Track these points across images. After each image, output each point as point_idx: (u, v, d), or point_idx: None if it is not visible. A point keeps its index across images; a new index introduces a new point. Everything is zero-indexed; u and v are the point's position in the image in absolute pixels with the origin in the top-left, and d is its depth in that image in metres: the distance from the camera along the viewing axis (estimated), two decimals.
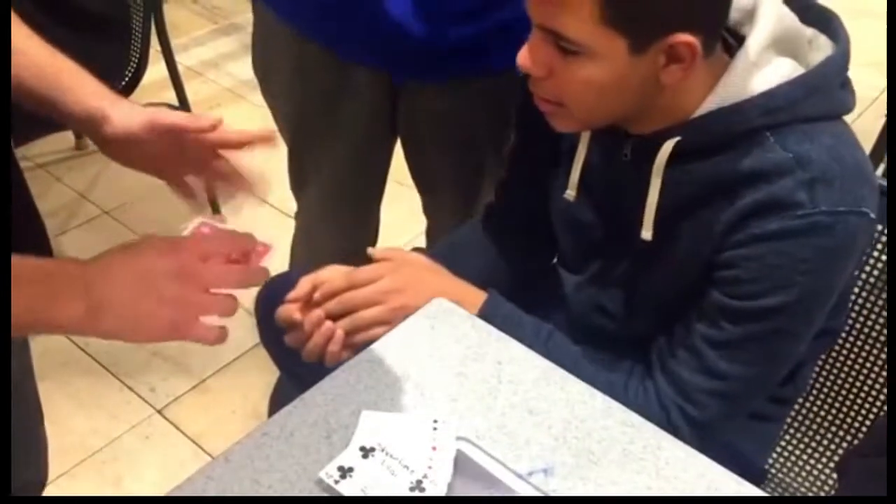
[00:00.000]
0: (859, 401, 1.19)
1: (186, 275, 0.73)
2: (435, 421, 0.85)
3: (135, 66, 1.91)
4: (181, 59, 2.03)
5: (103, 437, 1.76)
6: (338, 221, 1.52)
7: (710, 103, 0.92)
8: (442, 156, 1.41)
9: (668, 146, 0.94)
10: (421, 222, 1.60)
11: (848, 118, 0.95)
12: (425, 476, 0.79)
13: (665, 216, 0.98)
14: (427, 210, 1.57)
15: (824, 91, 0.92)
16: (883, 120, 1.76)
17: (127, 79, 1.91)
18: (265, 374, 1.75)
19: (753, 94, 0.91)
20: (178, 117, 0.93)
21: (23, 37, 0.88)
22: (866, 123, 2.08)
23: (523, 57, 0.90)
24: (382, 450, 0.82)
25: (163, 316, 0.72)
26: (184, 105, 2.04)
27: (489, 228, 1.24)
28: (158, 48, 1.98)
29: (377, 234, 1.59)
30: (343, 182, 1.44)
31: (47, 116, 0.90)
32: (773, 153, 0.90)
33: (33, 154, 2.32)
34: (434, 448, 0.82)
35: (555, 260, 1.24)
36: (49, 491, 1.63)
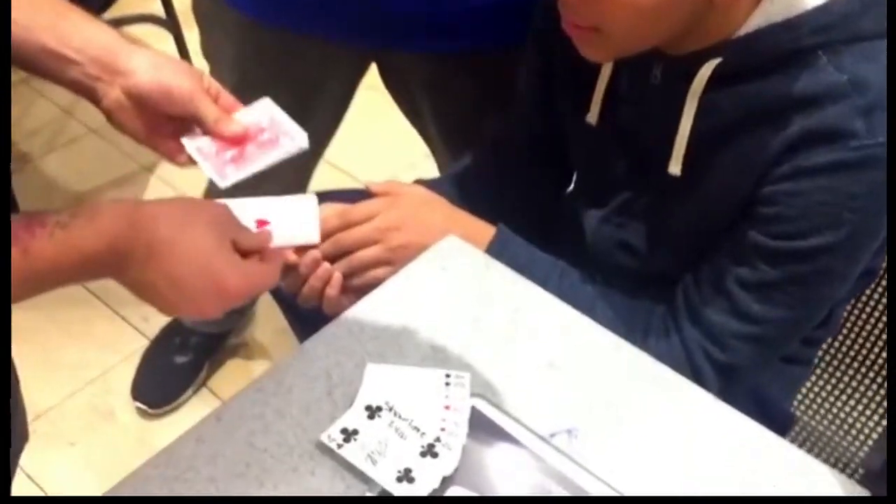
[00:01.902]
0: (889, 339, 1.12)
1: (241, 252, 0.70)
2: (447, 375, 0.78)
3: None
4: None
5: (95, 367, 1.70)
6: None
7: (757, 19, 0.82)
8: (435, 119, 1.29)
9: (706, 69, 0.84)
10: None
11: None
12: (438, 439, 0.72)
13: (698, 146, 0.89)
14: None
15: (885, 4, 0.81)
16: None
17: None
18: (267, 307, 1.68)
19: (805, 8, 0.81)
20: (211, 115, 0.80)
21: None
22: None
23: None
24: (390, 409, 0.74)
25: (216, 297, 0.70)
26: (170, 15, 1.91)
27: (498, 155, 1.14)
28: None
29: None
30: None
31: None
32: (825, 75, 0.80)
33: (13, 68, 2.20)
34: (447, 407, 0.75)
35: (570, 189, 1.15)
36: (40, 424, 1.59)
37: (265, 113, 0.84)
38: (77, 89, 0.78)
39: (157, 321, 1.73)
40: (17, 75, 0.79)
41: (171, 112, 0.79)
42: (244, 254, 0.70)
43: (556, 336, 0.83)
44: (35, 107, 2.15)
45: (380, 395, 0.76)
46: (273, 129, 0.83)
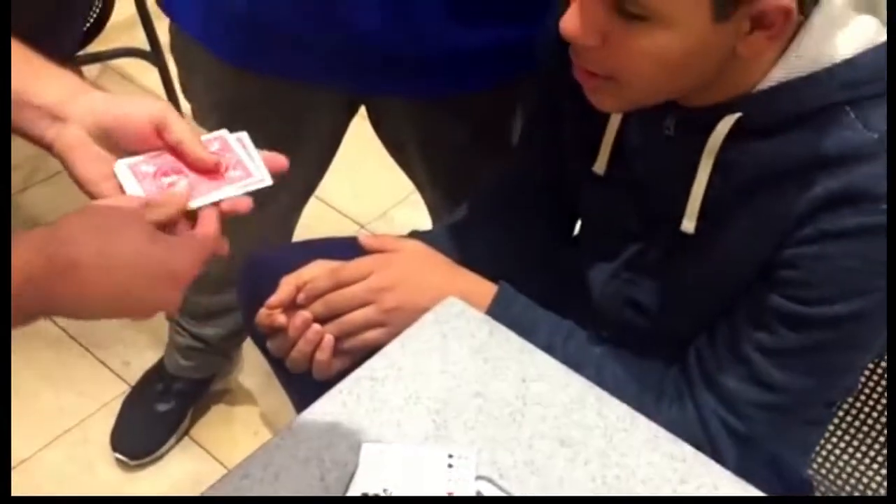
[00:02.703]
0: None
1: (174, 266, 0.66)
2: (450, 456, 0.72)
3: (101, 4, 1.73)
4: None
5: (73, 416, 1.63)
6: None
7: (779, 73, 0.77)
8: (424, 165, 1.25)
9: (725, 124, 0.79)
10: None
11: None
12: None
13: (713, 204, 0.84)
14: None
15: None
16: None
17: (92, 19, 1.73)
18: (252, 350, 1.61)
19: (832, 61, 0.76)
20: (187, 138, 0.74)
21: None
22: None
23: (570, 22, 0.74)
24: (389, 496, 0.68)
25: (163, 291, 0.66)
26: (155, 49, 1.86)
27: (498, 205, 1.08)
28: None
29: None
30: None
31: None
32: (853, 132, 0.76)
33: None
34: (450, 493, 0.69)
35: (575, 239, 1.10)
36: (15, 476, 1.51)
37: (216, 139, 0.76)
38: (29, 134, 0.72)
39: (138, 365, 1.67)
40: None
41: (136, 136, 0.72)
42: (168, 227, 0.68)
43: (566, 410, 0.77)
44: (15, 142, 2.08)
45: (377, 479, 0.70)
46: (226, 156, 0.74)
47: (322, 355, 0.91)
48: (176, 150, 0.73)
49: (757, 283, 0.83)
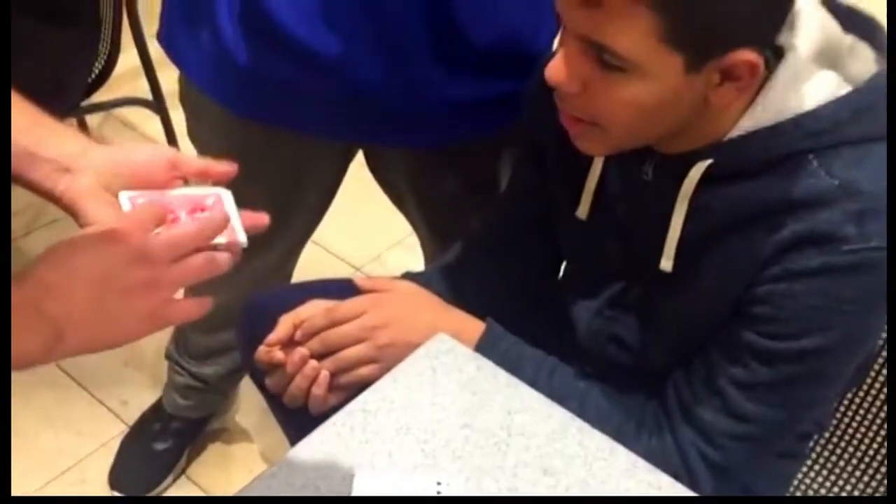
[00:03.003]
0: (883, 432, 1.11)
1: (144, 255, 0.65)
2: (438, 483, 0.76)
3: (106, 55, 1.79)
4: (154, 47, 1.90)
5: (71, 455, 1.65)
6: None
7: (748, 122, 0.83)
8: (419, 208, 1.31)
9: (697, 170, 0.85)
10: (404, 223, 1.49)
11: None
12: None
13: (689, 246, 0.89)
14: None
15: (874, 110, 0.82)
16: None
17: (99, 69, 1.79)
18: (249, 390, 1.65)
19: (796, 112, 0.82)
20: (200, 164, 0.80)
21: None
22: None
23: (556, 69, 0.80)
24: (388, 497, 0.72)
25: (136, 308, 0.64)
26: (158, 98, 1.92)
27: (488, 246, 1.13)
28: (130, 35, 1.85)
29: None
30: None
31: None
32: (816, 179, 0.81)
33: None
34: None
35: (560, 279, 1.14)
36: None
37: (212, 195, 0.79)
38: (39, 187, 0.76)
39: (136, 404, 1.70)
40: None
41: (149, 181, 0.76)
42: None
43: (548, 440, 0.81)
44: (15, 189, 2.13)
45: None
46: (215, 212, 0.77)
47: (318, 390, 0.95)
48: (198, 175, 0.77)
49: (730, 320, 0.88)
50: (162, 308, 0.66)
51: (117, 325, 0.64)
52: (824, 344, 0.83)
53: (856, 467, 1.15)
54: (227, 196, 0.79)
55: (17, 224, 2.03)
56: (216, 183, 0.80)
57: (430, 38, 1.02)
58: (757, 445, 0.90)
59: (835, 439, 1.15)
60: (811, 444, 1.14)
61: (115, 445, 1.65)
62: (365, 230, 2.05)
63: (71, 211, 0.76)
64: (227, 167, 0.79)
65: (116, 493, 1.57)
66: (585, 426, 0.83)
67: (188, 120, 1.27)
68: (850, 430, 1.13)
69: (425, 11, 1.01)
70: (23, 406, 1.68)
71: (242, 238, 0.75)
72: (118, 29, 1.78)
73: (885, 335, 0.97)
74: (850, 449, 1.14)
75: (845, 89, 0.83)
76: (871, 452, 1.12)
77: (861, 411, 1.09)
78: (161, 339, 1.68)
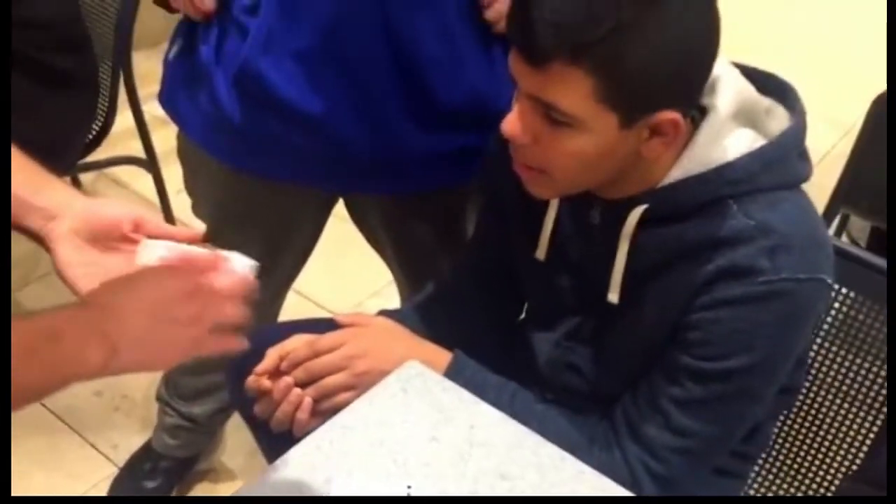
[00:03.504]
0: (821, 455, 1.22)
1: (195, 291, 0.75)
2: (409, 486, 0.86)
3: (103, 117, 1.91)
4: (147, 109, 2.03)
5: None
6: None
7: (676, 172, 0.95)
8: (394, 252, 1.43)
9: (635, 213, 0.97)
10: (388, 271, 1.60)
11: None
12: None
13: (632, 279, 1.01)
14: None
15: (783, 162, 0.95)
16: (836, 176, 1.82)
17: (95, 130, 1.90)
18: (235, 431, 1.74)
19: (716, 164, 0.94)
20: (163, 230, 0.89)
21: None
22: (820, 176, 2.14)
23: (511, 124, 0.92)
24: (378, 496, 0.82)
25: (182, 337, 0.75)
26: (150, 157, 2.03)
27: (456, 286, 1.25)
28: (125, 98, 1.98)
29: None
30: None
31: None
32: (735, 221, 0.93)
33: None
34: None
35: (523, 316, 1.26)
36: None
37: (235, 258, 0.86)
38: (31, 232, 0.87)
39: (126, 447, 1.77)
40: None
41: (112, 233, 0.86)
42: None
43: (507, 451, 0.91)
44: (13, 242, 2.24)
45: None
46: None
47: (302, 415, 1.05)
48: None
49: (669, 345, 1.00)
50: (201, 340, 0.76)
51: (162, 350, 0.74)
52: (749, 363, 0.95)
53: (797, 488, 1.25)
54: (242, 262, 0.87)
55: (13, 276, 2.13)
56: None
57: (402, 99, 1.15)
58: (694, 458, 1.01)
59: (821, 423, 1.21)
60: (754, 466, 1.25)
61: (105, 486, 1.72)
62: (346, 280, 2.16)
63: (48, 249, 0.87)
64: (192, 234, 0.89)
65: None
66: (540, 439, 0.93)
67: (185, 173, 1.39)
68: (812, 395, 1.20)
69: (398, 76, 1.14)
70: (16, 449, 1.74)
71: (249, 261, 0.85)
72: (115, 93, 1.91)
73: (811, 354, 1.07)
74: (815, 412, 1.23)
75: (760, 143, 0.96)
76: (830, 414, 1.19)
77: (862, 412, 1.16)
78: (150, 386, 1.77)
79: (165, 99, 1.31)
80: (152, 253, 0.84)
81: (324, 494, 0.84)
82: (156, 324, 0.73)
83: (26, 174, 0.88)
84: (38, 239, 0.88)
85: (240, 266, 0.82)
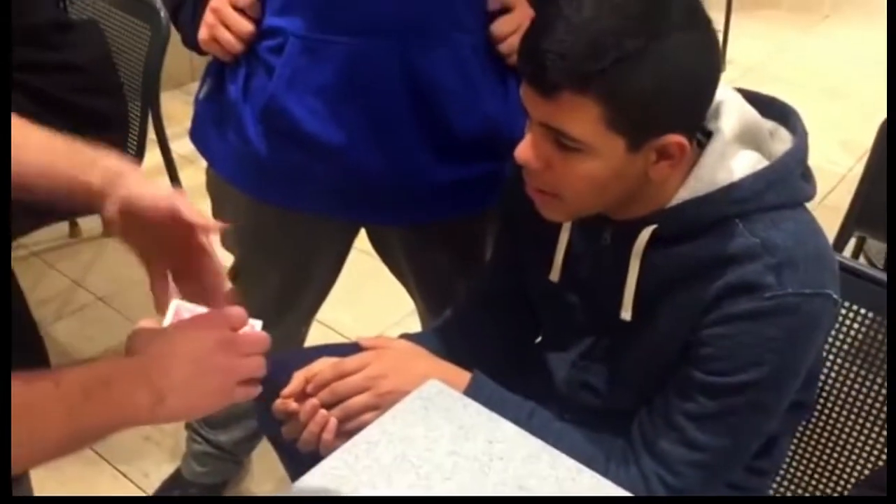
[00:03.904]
0: (837, 471, 1.23)
1: (227, 343, 0.80)
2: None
3: (132, 155, 1.98)
4: (174, 148, 2.10)
5: None
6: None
7: (684, 193, 0.99)
8: (415, 280, 1.47)
9: (645, 233, 1.01)
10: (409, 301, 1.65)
11: (820, 193, 1.03)
12: None
13: (644, 297, 1.04)
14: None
15: (786, 182, 0.99)
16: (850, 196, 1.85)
17: None
18: (262, 458, 1.78)
19: (721, 185, 0.98)
20: (195, 217, 0.91)
21: (19, 126, 0.89)
22: (838, 199, 2.16)
23: (524, 150, 0.97)
24: (385, 496, 0.85)
25: (219, 386, 0.79)
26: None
27: (474, 311, 1.28)
28: (153, 137, 2.05)
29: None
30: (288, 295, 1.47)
31: (47, 206, 0.90)
32: (742, 239, 0.97)
33: (28, 242, 2.37)
34: None
35: (539, 339, 1.29)
36: None
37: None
38: (86, 205, 0.90)
39: (157, 476, 1.82)
40: (27, 250, 0.91)
41: (156, 216, 0.88)
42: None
43: (524, 464, 0.94)
44: (46, 278, 2.32)
45: None
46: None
47: (328, 435, 1.08)
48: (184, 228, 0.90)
49: (681, 361, 1.03)
50: (232, 388, 0.80)
51: (203, 398, 0.79)
52: (759, 377, 0.98)
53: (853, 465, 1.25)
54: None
55: (47, 311, 2.19)
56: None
57: (420, 129, 1.20)
58: (708, 471, 1.03)
59: (836, 439, 1.23)
60: (770, 482, 1.27)
61: None
62: (368, 310, 2.21)
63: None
64: (216, 224, 0.92)
65: None
66: (556, 452, 0.96)
67: (213, 207, 1.44)
68: (826, 412, 1.22)
69: (416, 108, 1.19)
70: (49, 478, 1.80)
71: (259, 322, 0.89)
72: (144, 133, 1.98)
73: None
74: (811, 485, 1.26)
75: (764, 164, 1.00)
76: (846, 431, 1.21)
77: (876, 427, 1.18)
78: None
79: (195, 136, 1.37)
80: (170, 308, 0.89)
81: None
82: (197, 373, 0.78)
83: (70, 152, 0.89)
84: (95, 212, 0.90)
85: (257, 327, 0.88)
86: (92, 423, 0.73)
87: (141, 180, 0.90)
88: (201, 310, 0.88)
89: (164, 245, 0.91)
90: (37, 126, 0.91)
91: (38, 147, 0.90)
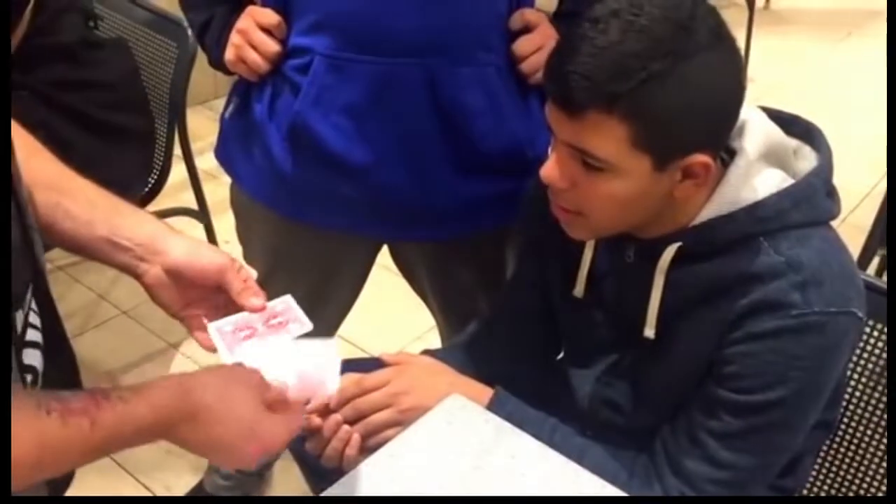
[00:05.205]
0: (861, 491, 1.22)
1: (276, 407, 0.83)
2: None
3: (158, 171, 2.00)
4: (198, 163, 2.13)
5: None
6: None
7: (708, 212, 0.99)
8: (436, 296, 1.48)
9: (670, 251, 1.01)
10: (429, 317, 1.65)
11: (843, 211, 1.03)
12: None
13: (667, 315, 1.04)
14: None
15: (811, 200, 0.99)
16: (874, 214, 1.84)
17: (151, 183, 2.00)
18: (283, 470, 1.78)
19: (746, 203, 0.98)
20: (244, 290, 0.94)
21: (68, 177, 0.91)
22: (861, 217, 2.16)
23: (550, 169, 0.98)
24: (389, 496, 0.86)
25: (254, 452, 0.82)
26: (202, 208, 2.12)
27: (497, 326, 1.29)
28: (178, 152, 2.07)
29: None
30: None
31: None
32: (767, 257, 0.97)
33: (53, 257, 2.39)
34: None
35: (561, 355, 1.29)
36: None
37: (281, 302, 0.97)
38: (124, 269, 0.93)
39: (179, 489, 1.83)
40: (53, 264, 0.93)
41: (203, 283, 0.93)
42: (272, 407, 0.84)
43: (546, 479, 0.95)
44: (71, 291, 2.34)
45: None
46: (286, 314, 0.96)
47: (351, 451, 1.09)
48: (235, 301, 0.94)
49: (705, 379, 1.03)
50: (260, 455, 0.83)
51: (236, 459, 0.82)
52: (783, 396, 0.97)
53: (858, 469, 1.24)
54: (290, 300, 0.98)
55: (72, 324, 2.22)
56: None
57: (444, 147, 1.22)
58: (731, 490, 1.03)
59: (861, 459, 1.23)
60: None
61: None
62: (389, 326, 2.21)
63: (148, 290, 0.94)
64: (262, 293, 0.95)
65: None
66: (579, 468, 0.96)
67: (238, 223, 1.46)
68: (851, 431, 1.22)
69: (441, 127, 1.20)
70: (73, 491, 1.81)
71: (309, 324, 0.95)
72: (170, 149, 2.01)
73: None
74: (855, 448, 1.23)
75: (788, 182, 1.00)
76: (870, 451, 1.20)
77: (867, 414, 1.18)
78: None
79: (221, 155, 1.39)
80: (221, 349, 0.92)
81: None
82: (238, 441, 0.80)
83: (111, 207, 0.92)
84: (132, 275, 0.93)
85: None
86: (119, 448, 0.75)
87: (183, 245, 0.92)
88: (235, 319, 0.92)
89: (203, 300, 0.95)
90: (78, 174, 0.92)
91: (85, 200, 0.91)
